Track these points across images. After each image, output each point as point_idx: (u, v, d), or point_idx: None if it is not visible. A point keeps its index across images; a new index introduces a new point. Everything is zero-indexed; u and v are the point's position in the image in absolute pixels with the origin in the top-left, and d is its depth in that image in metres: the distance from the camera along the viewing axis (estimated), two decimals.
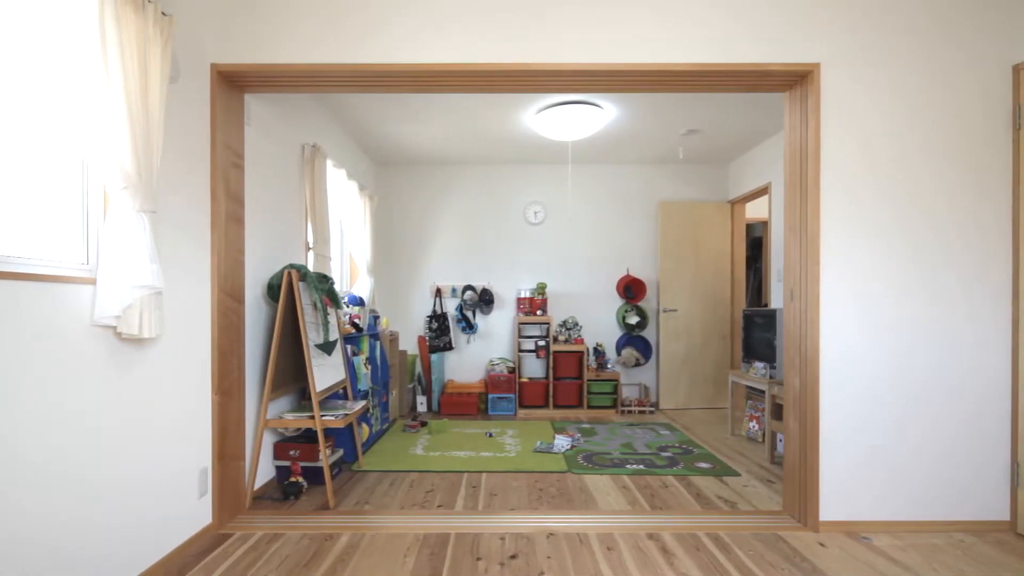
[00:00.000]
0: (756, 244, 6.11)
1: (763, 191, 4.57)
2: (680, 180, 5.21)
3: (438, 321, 5.01)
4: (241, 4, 2.29)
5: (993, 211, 2.32)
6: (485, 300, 5.04)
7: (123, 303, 1.61)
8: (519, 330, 4.98)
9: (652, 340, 5.17)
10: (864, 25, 2.30)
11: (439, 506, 2.55)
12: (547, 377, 4.91)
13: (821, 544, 2.17)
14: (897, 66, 2.31)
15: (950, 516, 2.32)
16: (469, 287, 5.06)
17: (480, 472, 3.07)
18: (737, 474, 3.03)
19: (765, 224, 5.85)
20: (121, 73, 1.60)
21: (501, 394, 4.73)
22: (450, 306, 5.18)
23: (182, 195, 2.07)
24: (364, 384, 3.49)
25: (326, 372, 2.80)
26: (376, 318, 4.08)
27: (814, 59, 2.29)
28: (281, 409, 2.88)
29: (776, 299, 4.35)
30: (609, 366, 5.00)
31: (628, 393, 5.12)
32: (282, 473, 2.82)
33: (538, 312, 4.95)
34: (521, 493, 2.73)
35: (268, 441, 2.81)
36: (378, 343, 3.93)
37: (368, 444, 3.53)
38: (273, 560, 2.01)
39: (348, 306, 3.74)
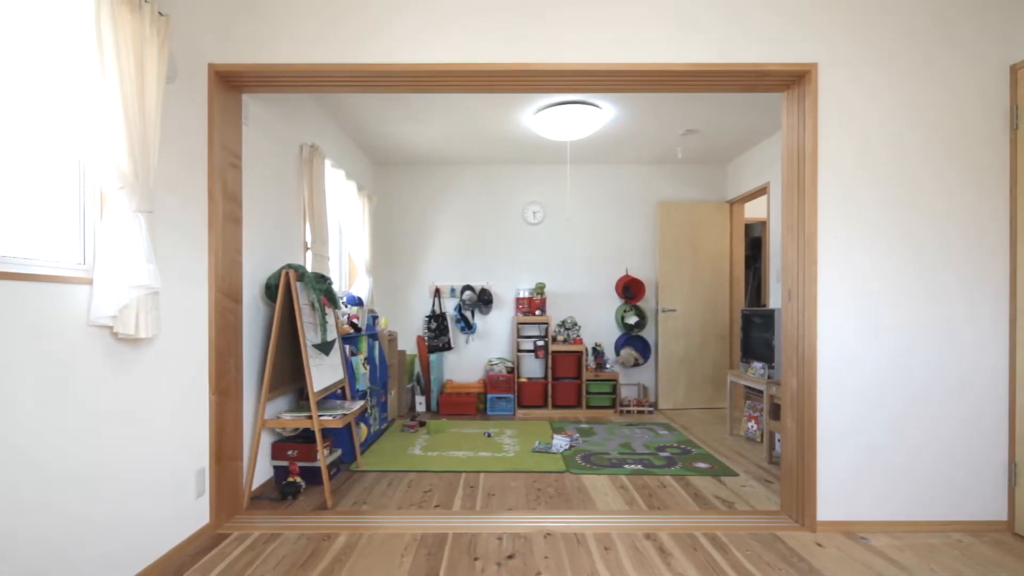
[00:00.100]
0: (755, 244, 6.11)
1: (762, 191, 4.57)
2: (679, 180, 5.21)
3: (437, 321, 5.01)
4: (239, 4, 2.29)
5: (991, 211, 2.32)
6: (484, 300, 5.04)
7: (119, 303, 1.61)
8: (518, 330, 4.98)
9: (651, 340, 5.17)
10: (862, 25, 2.30)
11: (437, 506, 2.55)
12: (546, 377, 4.91)
13: (818, 544, 2.17)
14: (895, 66, 2.31)
15: (948, 516, 2.32)
16: (468, 287, 5.06)
17: (478, 472, 3.07)
18: (735, 474, 3.03)
19: (764, 224, 5.85)
20: (117, 73, 1.60)
21: (500, 394, 4.73)
22: (449, 306, 5.19)
23: (179, 195, 2.07)
24: (362, 384, 3.49)
25: (324, 372, 2.80)
26: (375, 318, 4.08)
27: (811, 59, 2.29)
28: (279, 409, 2.88)
29: (775, 299, 4.35)
30: (608, 366, 5.00)
31: (627, 393, 5.12)
32: (280, 473, 2.82)
33: (537, 312, 4.95)
34: (519, 493, 2.73)
35: (266, 441, 2.81)
36: (377, 343, 3.93)
37: (366, 444, 3.53)
38: (270, 560, 2.01)
39: (346, 306, 3.74)
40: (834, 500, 2.31)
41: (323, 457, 2.58)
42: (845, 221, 2.31)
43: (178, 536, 2.05)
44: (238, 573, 1.91)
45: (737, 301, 5.13)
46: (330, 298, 2.93)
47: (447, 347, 4.98)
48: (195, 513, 2.16)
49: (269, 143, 2.87)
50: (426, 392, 4.83)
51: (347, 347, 3.37)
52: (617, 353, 5.08)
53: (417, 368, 5.04)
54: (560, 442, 3.58)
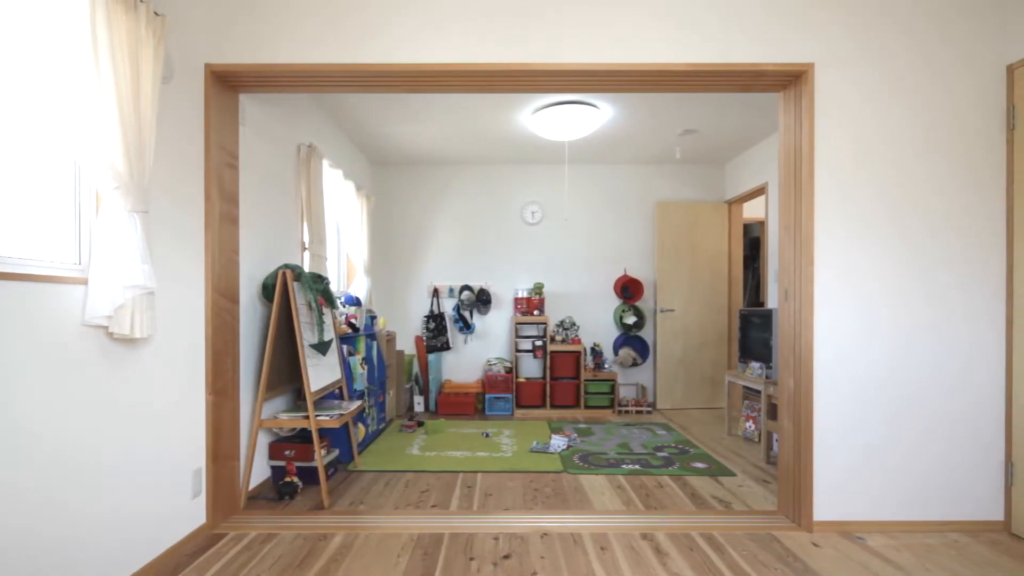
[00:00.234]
0: (754, 244, 6.10)
1: (760, 191, 4.57)
2: (677, 180, 5.21)
3: (435, 321, 5.01)
4: (236, 4, 2.29)
5: (988, 210, 2.32)
6: (482, 300, 5.04)
7: (115, 303, 1.61)
8: (516, 330, 4.98)
9: (649, 340, 5.17)
10: (858, 25, 2.30)
11: (434, 506, 2.55)
12: (544, 377, 4.91)
13: (815, 544, 2.17)
14: (892, 66, 2.31)
15: (945, 516, 2.32)
16: (466, 287, 5.06)
17: (476, 472, 3.07)
18: (733, 474, 3.03)
19: (763, 224, 5.84)
20: (112, 73, 1.60)
21: (498, 394, 4.73)
22: (447, 306, 5.19)
23: (176, 195, 2.07)
24: (360, 384, 3.49)
25: (321, 372, 2.80)
26: (373, 318, 4.08)
27: (808, 59, 2.29)
28: (277, 409, 2.88)
29: (773, 299, 4.35)
30: (606, 366, 5.00)
31: (625, 393, 5.12)
32: (277, 473, 2.82)
33: (535, 312, 4.95)
34: (516, 493, 2.73)
35: (264, 441, 2.81)
36: (375, 343, 3.93)
37: (364, 444, 3.53)
38: (266, 560, 2.01)
39: (344, 306, 3.74)
40: (831, 500, 2.31)
41: (320, 457, 2.58)
42: (842, 221, 2.31)
43: (174, 536, 2.05)
44: (234, 573, 1.91)
45: (736, 301, 5.13)
46: (327, 298, 2.93)
47: (445, 347, 4.98)
48: (191, 513, 2.16)
49: (266, 143, 2.87)
50: (424, 392, 4.83)
51: (345, 347, 3.37)
52: (615, 353, 5.08)
53: (416, 368, 5.04)
54: (558, 442, 3.58)
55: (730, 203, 5.09)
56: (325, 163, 3.75)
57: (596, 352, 4.96)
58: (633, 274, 5.19)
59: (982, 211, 2.32)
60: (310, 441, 2.82)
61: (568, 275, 5.20)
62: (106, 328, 1.69)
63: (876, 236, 2.32)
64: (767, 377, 3.48)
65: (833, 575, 1.92)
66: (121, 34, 1.64)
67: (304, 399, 3.01)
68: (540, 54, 2.30)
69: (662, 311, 5.01)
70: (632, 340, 5.09)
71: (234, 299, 2.44)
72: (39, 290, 1.47)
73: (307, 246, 3.37)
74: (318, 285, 2.86)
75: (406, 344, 5.17)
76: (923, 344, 2.32)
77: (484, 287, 5.12)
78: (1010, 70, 2.29)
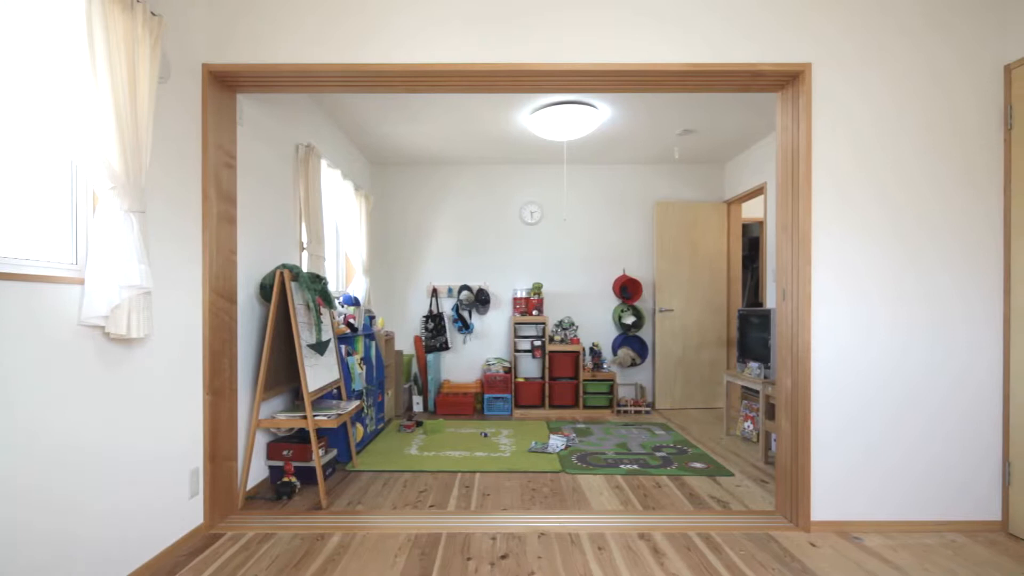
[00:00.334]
0: (754, 244, 6.10)
1: (759, 191, 4.57)
2: (676, 180, 5.21)
3: (434, 321, 5.01)
4: (233, 4, 2.29)
5: (986, 210, 2.32)
6: (481, 300, 5.04)
7: (111, 303, 1.61)
8: (515, 330, 4.98)
9: (648, 340, 5.17)
10: (856, 25, 2.30)
11: (431, 506, 2.55)
12: (543, 377, 4.91)
13: (812, 544, 2.17)
14: (889, 66, 2.31)
15: (942, 516, 2.31)
16: (465, 287, 5.06)
17: (474, 472, 3.07)
18: (731, 474, 3.03)
19: (762, 224, 5.84)
20: (109, 73, 1.60)
21: (497, 394, 4.73)
22: (446, 306, 5.18)
23: (173, 195, 2.07)
24: (358, 384, 3.49)
25: (319, 372, 2.80)
26: (372, 318, 4.08)
27: (805, 59, 2.29)
28: (275, 409, 2.88)
29: (772, 299, 4.35)
30: (605, 366, 5.00)
31: (624, 393, 5.12)
32: (275, 473, 2.82)
33: (534, 312, 4.95)
34: (514, 493, 2.73)
35: (262, 441, 2.81)
36: (373, 343, 3.93)
37: (363, 444, 3.53)
38: (263, 560, 2.01)
39: (343, 306, 3.74)
40: (828, 500, 2.31)
41: (318, 457, 2.58)
42: (839, 221, 2.31)
43: (171, 536, 2.05)
44: (231, 573, 1.91)
45: (735, 301, 5.13)
46: (325, 298, 2.93)
47: (444, 347, 4.98)
48: (189, 513, 2.16)
49: (264, 143, 2.87)
50: (423, 392, 4.83)
51: (343, 347, 3.37)
52: (614, 353, 5.08)
53: (414, 368, 5.04)
54: (556, 442, 3.58)
55: (729, 203, 5.09)
56: (323, 163, 3.75)
57: (595, 352, 4.96)
58: (632, 274, 5.19)
59: (980, 211, 2.32)
60: (308, 441, 2.81)
61: (567, 275, 5.20)
62: (103, 328, 1.69)
63: (874, 236, 2.32)
64: (765, 377, 3.48)
65: (830, 575, 1.92)
66: (117, 34, 1.64)
67: (302, 399, 3.01)
68: (538, 54, 2.30)
69: (661, 311, 5.01)
70: (631, 340, 5.09)
71: (232, 299, 2.44)
72: (35, 290, 1.46)
73: (305, 246, 3.37)
74: (316, 285, 2.86)
75: (405, 344, 5.17)
76: (921, 344, 2.32)
77: (483, 287, 5.12)
78: (1008, 70, 2.29)
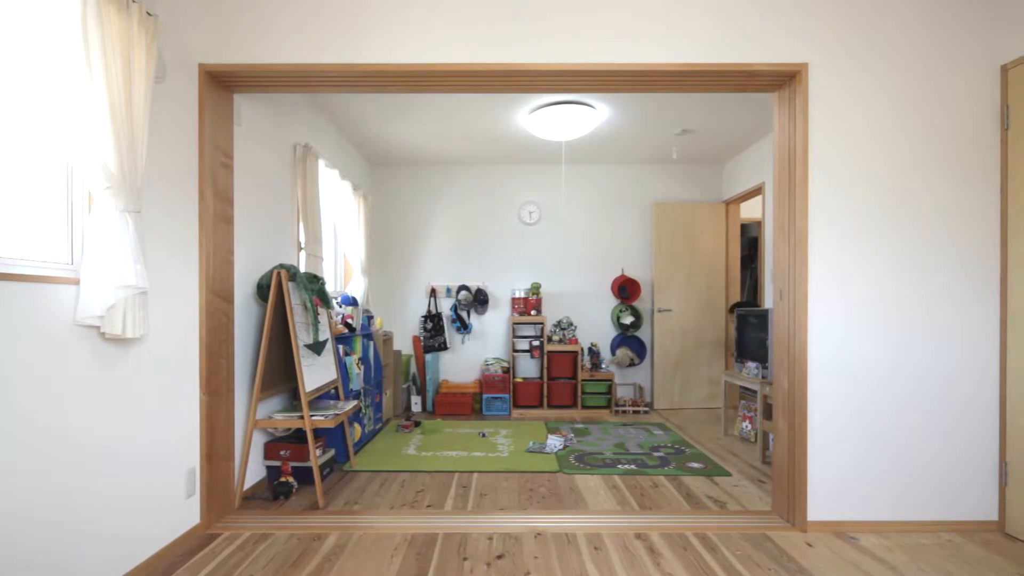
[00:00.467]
0: (752, 244, 6.11)
1: (757, 191, 4.57)
2: (674, 180, 5.21)
3: (433, 321, 5.01)
4: (231, 4, 2.29)
5: (983, 211, 2.32)
6: (480, 300, 5.04)
7: (106, 303, 1.61)
8: (514, 330, 4.98)
9: (647, 340, 5.18)
10: (852, 25, 2.30)
11: (428, 506, 2.55)
12: (541, 377, 4.91)
13: (808, 544, 2.17)
14: (885, 66, 2.31)
15: (939, 516, 2.31)
16: (464, 287, 5.06)
17: (471, 472, 3.07)
18: (728, 474, 3.03)
19: (760, 224, 5.84)
20: (104, 73, 1.60)
21: (495, 394, 4.73)
22: (445, 306, 5.19)
23: (170, 195, 2.07)
24: (356, 384, 3.49)
25: (316, 372, 2.80)
26: (370, 318, 4.08)
27: (802, 59, 2.29)
28: (272, 409, 2.88)
29: (770, 299, 4.35)
30: (603, 366, 5.00)
31: (622, 393, 5.12)
32: (272, 473, 2.82)
33: (532, 312, 4.95)
34: (511, 493, 2.73)
35: (259, 441, 2.81)
36: (371, 343, 3.93)
37: (360, 444, 3.53)
38: (260, 560, 2.01)
39: (341, 306, 3.74)
40: (825, 500, 2.31)
41: (315, 457, 2.58)
42: (836, 221, 2.31)
43: (168, 536, 2.05)
44: (227, 573, 1.91)
45: (733, 301, 5.13)
46: (322, 298, 2.93)
47: (443, 347, 4.98)
48: (185, 513, 2.16)
49: (262, 143, 2.87)
50: (422, 392, 4.83)
51: (341, 347, 3.37)
52: (613, 353, 5.08)
53: (413, 368, 5.05)
54: (554, 442, 3.59)
55: (727, 203, 5.09)
56: (321, 163, 3.75)
57: (593, 352, 4.96)
58: (630, 274, 5.19)
59: (977, 212, 2.32)
60: (306, 441, 2.81)
61: (565, 275, 5.20)
62: (98, 328, 1.69)
63: (870, 236, 2.32)
64: (763, 377, 3.48)
65: (826, 575, 1.92)
66: (113, 34, 1.64)
67: (299, 399, 3.01)
68: (536, 54, 2.30)
69: (659, 311, 5.01)
70: (629, 340, 5.09)
71: (229, 299, 2.44)
72: (31, 290, 1.47)
73: (303, 246, 3.37)
74: (313, 285, 2.86)
75: (404, 344, 5.17)
76: (917, 344, 2.32)
77: (481, 287, 5.12)
78: (1004, 70, 2.29)
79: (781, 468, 2.43)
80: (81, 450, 1.63)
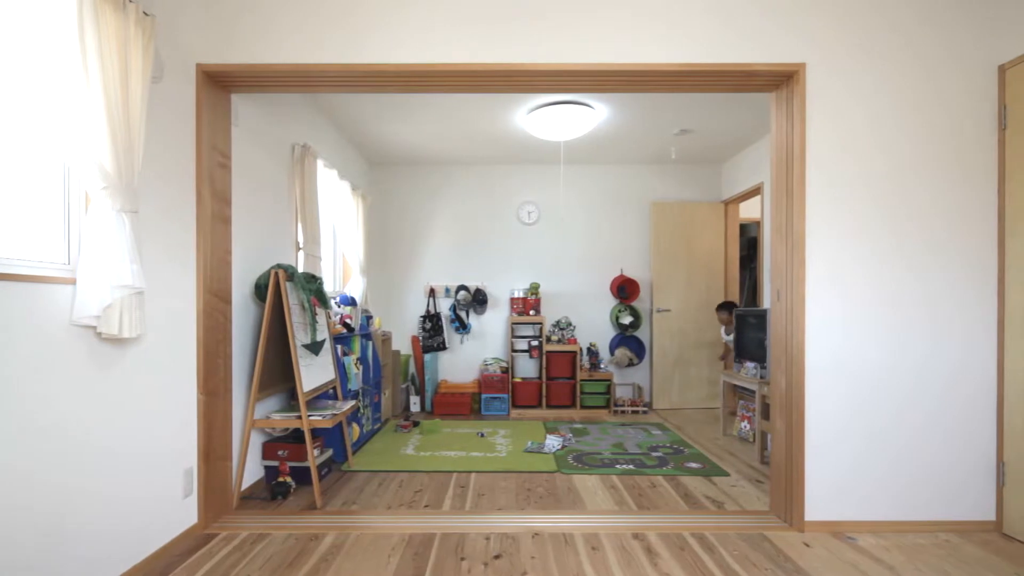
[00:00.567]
0: (752, 244, 6.11)
1: (756, 191, 4.57)
2: (673, 180, 5.21)
3: (432, 321, 5.01)
4: (228, 4, 2.29)
5: (981, 211, 2.32)
6: (479, 300, 5.04)
7: (103, 303, 1.61)
8: (512, 330, 4.98)
9: (645, 340, 5.18)
10: (850, 25, 2.30)
11: (426, 506, 2.55)
12: (540, 377, 4.91)
13: (806, 544, 2.17)
14: (884, 66, 2.31)
15: (936, 516, 2.31)
16: (463, 287, 5.06)
17: (469, 472, 3.07)
18: (726, 474, 3.03)
19: (759, 224, 5.84)
20: (100, 73, 1.60)
21: (494, 394, 4.73)
22: (444, 306, 5.19)
23: (167, 195, 2.07)
24: (355, 384, 3.49)
25: (314, 372, 2.80)
26: (369, 318, 4.08)
27: (799, 59, 2.29)
28: (270, 409, 2.88)
29: (768, 299, 4.35)
30: (602, 366, 5.00)
31: (621, 393, 5.12)
32: (270, 473, 2.82)
33: (531, 312, 4.95)
34: (509, 493, 2.73)
35: (257, 441, 2.81)
36: (370, 343, 3.93)
37: (359, 444, 3.53)
38: (257, 560, 2.01)
39: (339, 306, 3.74)
40: (823, 500, 2.31)
41: (312, 457, 2.58)
42: (833, 221, 2.31)
43: (165, 536, 2.05)
44: (224, 573, 1.91)
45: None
46: (320, 298, 2.93)
47: (442, 347, 4.98)
48: (183, 513, 2.16)
49: (260, 143, 2.87)
50: (420, 392, 4.83)
51: (339, 347, 3.37)
52: (611, 353, 5.08)
53: (412, 368, 5.05)
54: (553, 442, 3.59)
55: (726, 203, 5.09)
56: (320, 163, 3.75)
57: (592, 352, 4.96)
58: (629, 274, 5.19)
59: (975, 212, 2.32)
60: (304, 441, 2.81)
61: (564, 275, 5.20)
62: (95, 328, 1.69)
63: (868, 236, 2.32)
64: (762, 377, 3.48)
65: (823, 575, 1.92)
66: (109, 34, 1.64)
67: (297, 399, 3.01)
68: (536, 54, 2.30)
69: (658, 311, 5.01)
70: (628, 340, 5.09)
71: (226, 299, 2.44)
72: (27, 290, 1.46)
73: (301, 246, 3.37)
74: (311, 285, 2.86)
75: (402, 344, 5.17)
76: (915, 344, 2.32)
77: (480, 287, 5.12)
78: (1002, 70, 2.29)
79: (779, 468, 2.43)
80: (78, 450, 1.63)
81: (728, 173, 5.04)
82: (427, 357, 4.91)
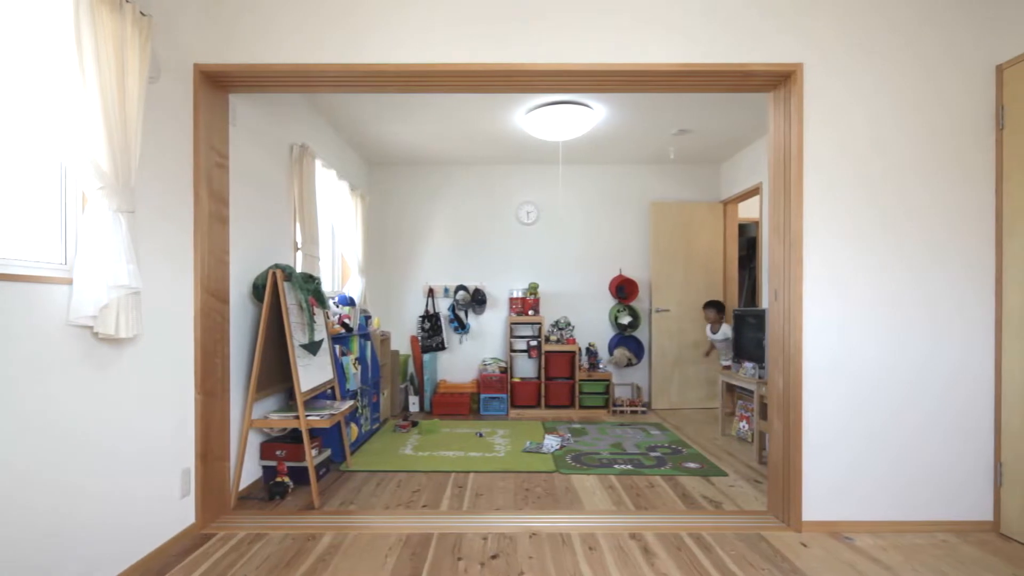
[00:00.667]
0: (751, 245, 6.10)
1: (755, 191, 4.57)
2: (672, 180, 5.21)
3: (431, 321, 5.01)
4: (225, 5, 2.29)
5: (979, 210, 2.32)
6: (477, 300, 5.04)
7: (99, 303, 1.61)
8: (511, 330, 4.98)
9: (644, 340, 5.17)
10: (848, 25, 2.30)
11: (424, 506, 2.55)
12: (539, 377, 4.91)
13: (803, 544, 2.17)
14: (881, 66, 2.31)
15: (934, 516, 2.31)
16: (462, 287, 5.06)
17: (467, 472, 3.07)
18: (724, 474, 3.03)
19: (758, 224, 5.84)
20: (97, 74, 1.60)
21: (493, 394, 4.73)
22: (443, 306, 5.19)
23: (164, 195, 2.07)
24: (353, 384, 3.49)
25: (312, 372, 2.80)
26: (367, 318, 4.08)
27: (797, 59, 2.29)
28: (268, 409, 2.88)
29: (767, 299, 4.35)
30: (601, 366, 5.00)
31: (620, 393, 5.12)
32: (268, 473, 2.82)
33: (530, 312, 4.95)
34: (507, 493, 2.73)
35: (255, 441, 2.81)
36: (369, 343, 3.93)
37: (357, 444, 3.53)
38: (254, 560, 2.01)
39: (338, 306, 3.74)
40: (820, 500, 2.31)
41: (310, 457, 2.58)
42: (831, 221, 2.31)
43: (162, 536, 2.05)
44: (221, 573, 1.91)
45: (731, 301, 5.13)
46: (318, 298, 2.93)
47: (441, 347, 4.98)
48: (180, 513, 2.16)
49: (258, 143, 2.87)
50: (419, 392, 4.83)
51: (337, 347, 3.37)
52: (610, 353, 5.08)
53: (411, 368, 5.05)
54: (551, 442, 3.58)
55: (725, 203, 5.09)
56: (318, 163, 3.75)
57: (591, 352, 4.96)
58: (628, 274, 5.19)
59: (973, 212, 2.32)
60: (302, 441, 2.81)
61: (563, 275, 5.20)
62: (91, 328, 1.69)
63: (865, 236, 2.31)
64: (760, 377, 3.48)
65: (820, 575, 1.92)
66: (106, 34, 1.64)
67: (295, 399, 3.01)
68: (536, 54, 2.30)
69: (657, 311, 5.01)
70: (627, 340, 5.09)
71: (224, 299, 2.44)
72: (24, 290, 1.46)
73: (300, 246, 3.37)
74: (309, 285, 2.86)
75: (402, 344, 5.17)
76: (913, 344, 2.32)
77: (479, 287, 5.12)
78: (1000, 70, 2.29)
79: (776, 468, 2.42)
80: (75, 450, 1.63)
81: (727, 173, 5.04)
82: (426, 357, 4.91)
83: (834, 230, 2.31)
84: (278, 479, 2.67)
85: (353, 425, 3.41)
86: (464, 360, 5.19)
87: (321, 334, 3.02)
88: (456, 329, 5.08)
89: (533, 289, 4.98)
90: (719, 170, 5.19)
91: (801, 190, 2.30)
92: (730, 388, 4.09)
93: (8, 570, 1.41)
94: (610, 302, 5.20)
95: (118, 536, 1.82)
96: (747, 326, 3.79)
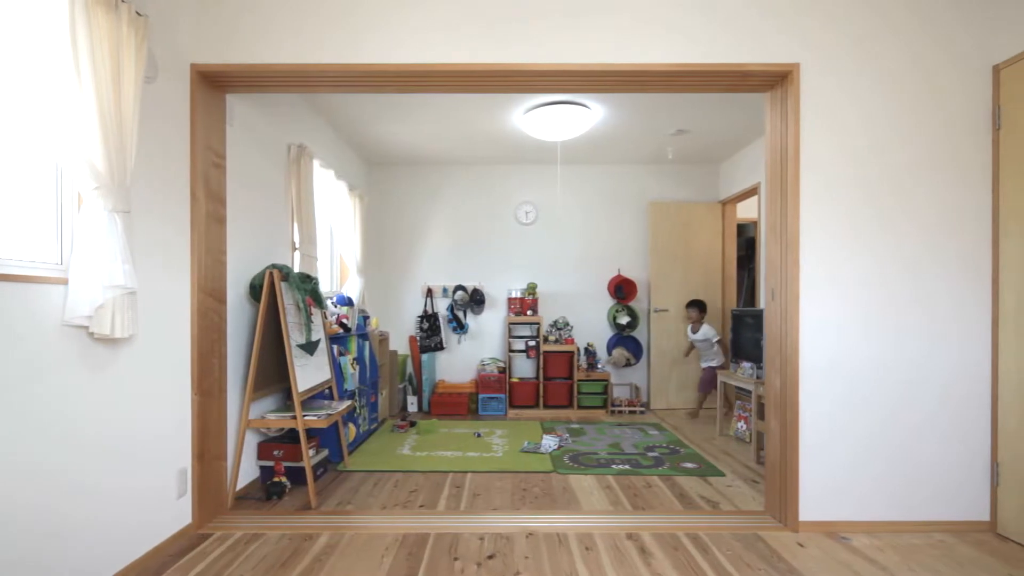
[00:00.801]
0: (750, 245, 6.10)
1: (753, 191, 4.57)
2: (670, 180, 5.21)
3: (429, 321, 5.01)
4: (223, 4, 2.29)
5: (976, 210, 2.32)
6: (476, 300, 5.04)
7: (94, 303, 1.61)
8: (510, 330, 4.98)
9: (643, 340, 5.17)
10: (845, 25, 2.30)
11: (421, 506, 2.55)
12: (537, 377, 4.91)
13: (800, 544, 2.17)
14: (878, 66, 2.31)
15: (931, 517, 2.31)
16: (460, 287, 5.06)
17: (465, 472, 3.07)
18: (722, 474, 3.03)
19: (757, 224, 5.84)
20: (92, 74, 1.60)
21: (491, 394, 4.73)
22: (441, 306, 5.19)
23: (161, 195, 2.07)
24: (351, 384, 3.49)
25: (309, 372, 2.80)
26: (365, 318, 4.08)
27: (794, 59, 2.29)
28: (266, 409, 2.88)
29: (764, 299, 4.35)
30: (600, 366, 5.00)
31: (618, 393, 5.12)
32: (266, 473, 2.82)
33: (529, 312, 4.95)
34: (505, 493, 2.73)
35: (252, 441, 2.81)
36: (367, 343, 3.93)
37: (355, 444, 3.53)
38: (251, 560, 2.01)
39: (336, 306, 3.74)
40: (817, 500, 2.31)
41: (307, 457, 2.58)
42: (828, 221, 2.31)
43: (159, 536, 2.05)
44: (217, 573, 1.91)
45: (729, 301, 5.13)
46: (315, 298, 2.93)
47: (439, 347, 4.98)
48: (177, 513, 2.16)
49: (255, 143, 2.87)
50: (418, 392, 4.83)
51: (336, 347, 3.37)
52: (609, 353, 5.08)
53: (409, 368, 5.04)
54: (549, 442, 3.58)
55: (724, 203, 5.09)
56: (316, 163, 3.74)
57: (589, 352, 4.96)
58: (627, 274, 5.19)
59: (970, 212, 2.32)
60: (299, 441, 2.81)
61: (561, 275, 5.20)
62: (87, 328, 1.69)
63: (862, 236, 2.31)
64: (758, 377, 3.48)
65: (816, 575, 1.92)
66: (101, 34, 1.64)
67: (293, 399, 3.01)
68: (536, 55, 2.30)
69: (656, 311, 5.01)
70: (625, 340, 5.09)
71: (221, 299, 2.44)
72: (20, 290, 1.46)
73: (297, 246, 3.37)
74: (306, 285, 2.86)
75: (400, 344, 5.17)
76: (910, 344, 2.32)
77: (478, 287, 5.12)
78: (996, 70, 2.29)
79: (773, 468, 2.43)
80: (71, 450, 1.63)
81: (726, 173, 5.04)
82: (424, 357, 4.91)
83: (831, 230, 2.31)
84: (275, 479, 2.67)
85: (351, 425, 3.41)
86: (462, 360, 5.19)
87: (318, 334, 3.02)
88: (455, 329, 5.08)
89: (532, 289, 4.98)
90: (718, 170, 5.20)
91: (798, 190, 2.30)
92: (728, 388, 4.09)
93: (5, 570, 1.40)
94: (608, 302, 5.20)
95: (115, 536, 1.82)
96: (745, 326, 3.79)
